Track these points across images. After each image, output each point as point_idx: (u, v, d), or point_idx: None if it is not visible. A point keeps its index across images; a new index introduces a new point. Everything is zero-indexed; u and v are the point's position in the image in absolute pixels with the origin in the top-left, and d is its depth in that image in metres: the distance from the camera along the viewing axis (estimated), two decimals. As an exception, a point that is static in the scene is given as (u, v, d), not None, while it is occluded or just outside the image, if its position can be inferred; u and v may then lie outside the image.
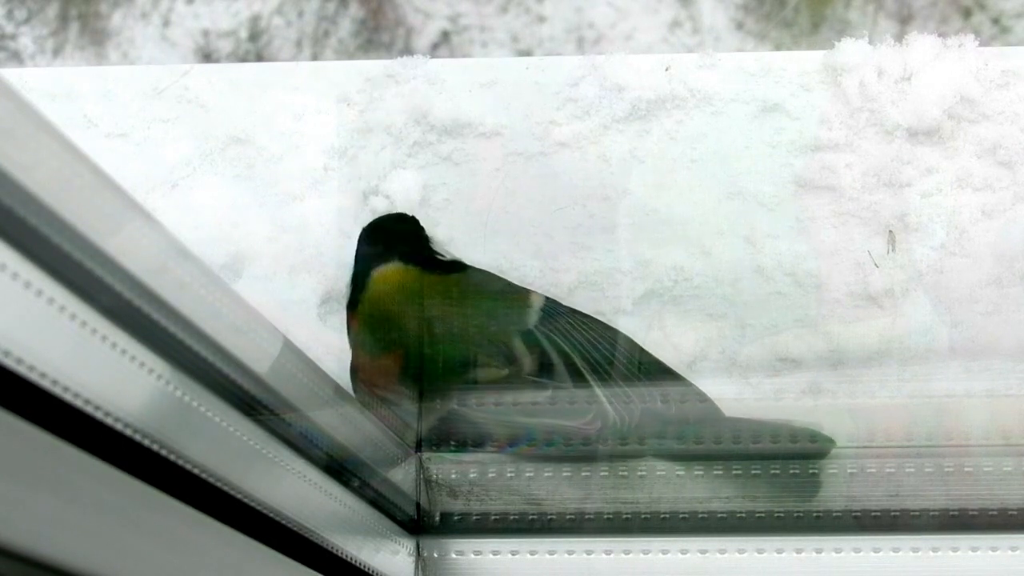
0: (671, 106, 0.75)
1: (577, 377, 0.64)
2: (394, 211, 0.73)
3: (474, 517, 0.64)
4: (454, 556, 0.64)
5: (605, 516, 0.64)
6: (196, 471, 0.36)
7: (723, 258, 0.73)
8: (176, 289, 0.35)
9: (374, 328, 0.66)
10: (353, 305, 0.67)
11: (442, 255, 0.70)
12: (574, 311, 0.67)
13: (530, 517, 0.64)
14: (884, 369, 0.70)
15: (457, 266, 0.69)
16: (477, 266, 0.70)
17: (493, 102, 0.76)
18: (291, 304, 0.73)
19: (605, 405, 0.64)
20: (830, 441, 0.64)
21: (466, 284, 0.68)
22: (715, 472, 0.64)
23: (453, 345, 0.65)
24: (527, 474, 0.64)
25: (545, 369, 0.64)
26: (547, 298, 0.67)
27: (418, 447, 0.64)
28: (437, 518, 0.64)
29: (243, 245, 0.74)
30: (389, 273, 0.67)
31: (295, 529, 0.45)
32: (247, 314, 0.41)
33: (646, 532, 0.63)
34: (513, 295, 0.68)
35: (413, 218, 0.72)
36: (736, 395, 0.70)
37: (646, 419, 0.64)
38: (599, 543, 0.63)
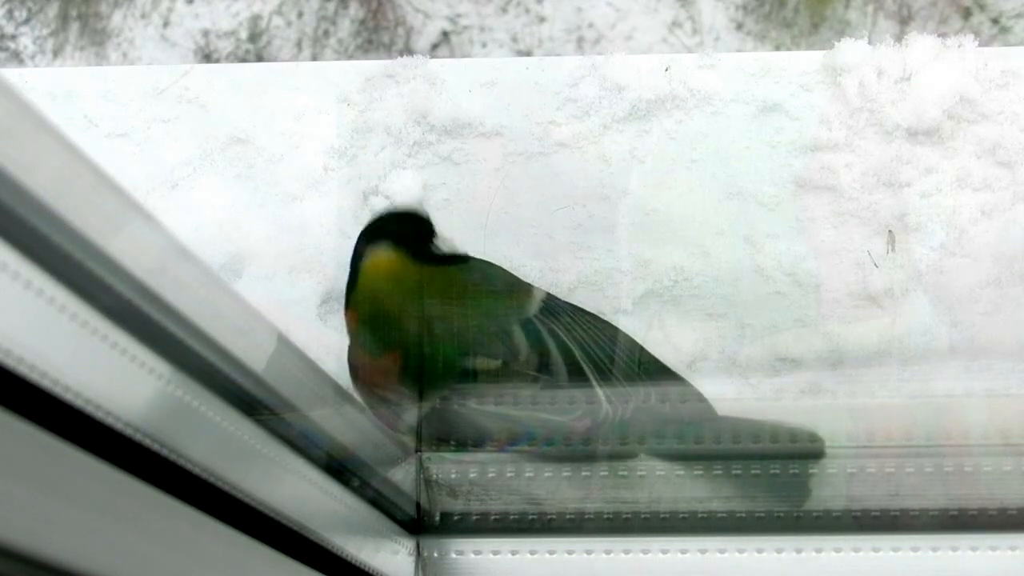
0: (671, 106, 0.75)
1: (574, 372, 0.64)
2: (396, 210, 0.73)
3: (474, 517, 0.64)
4: (454, 556, 0.64)
5: (605, 516, 0.64)
6: (196, 471, 0.36)
7: (723, 258, 0.73)
8: (176, 289, 0.35)
9: (367, 321, 0.65)
10: (348, 301, 0.66)
11: (439, 249, 0.66)
12: (575, 307, 0.67)
13: (530, 517, 0.64)
14: (884, 369, 0.70)
15: (456, 259, 0.66)
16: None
17: (493, 102, 0.76)
18: (291, 304, 0.73)
19: (599, 401, 0.63)
20: (821, 442, 0.63)
21: (466, 275, 0.67)
22: (715, 472, 0.64)
23: (450, 334, 0.65)
24: (527, 474, 0.64)
25: (541, 362, 0.64)
26: (548, 293, 0.67)
27: (418, 447, 0.64)
28: (437, 518, 0.64)
29: (243, 245, 0.74)
30: (379, 260, 0.64)
31: (295, 529, 0.45)
32: (247, 314, 0.41)
33: (646, 532, 0.63)
34: (514, 288, 0.67)
35: (415, 213, 0.68)
36: (736, 395, 0.70)
37: (639, 417, 0.64)
38: (599, 543, 0.63)
